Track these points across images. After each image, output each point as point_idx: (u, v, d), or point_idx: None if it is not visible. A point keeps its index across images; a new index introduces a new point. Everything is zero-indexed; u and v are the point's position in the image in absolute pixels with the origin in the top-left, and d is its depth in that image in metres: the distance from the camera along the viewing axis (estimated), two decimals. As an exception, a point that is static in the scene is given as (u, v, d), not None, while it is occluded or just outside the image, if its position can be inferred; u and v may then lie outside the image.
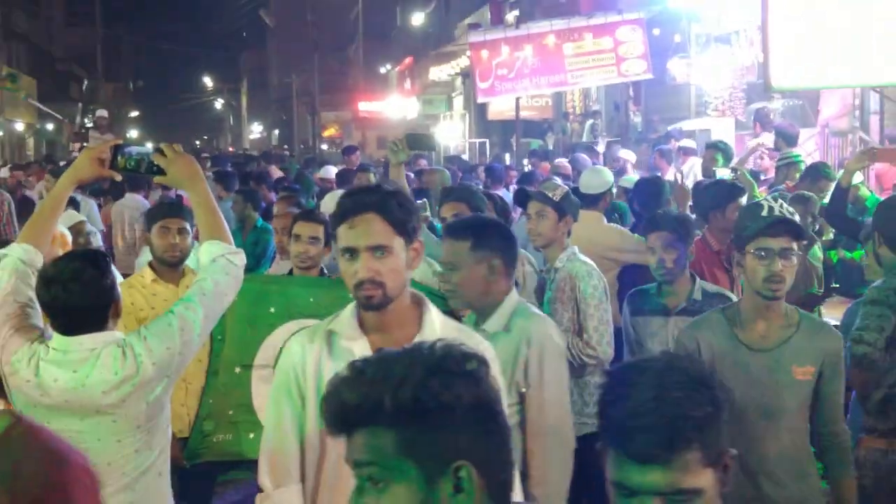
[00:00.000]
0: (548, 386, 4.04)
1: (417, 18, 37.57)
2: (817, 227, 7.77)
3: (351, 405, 1.87)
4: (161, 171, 3.79)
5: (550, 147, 20.64)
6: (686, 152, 13.17)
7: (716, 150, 10.74)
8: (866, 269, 5.84)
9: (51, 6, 51.63)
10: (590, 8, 19.20)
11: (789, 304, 4.24)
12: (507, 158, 20.78)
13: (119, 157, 3.79)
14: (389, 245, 3.06)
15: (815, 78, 10.58)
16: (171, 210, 5.85)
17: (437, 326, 3.14)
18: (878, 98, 12.93)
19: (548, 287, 5.78)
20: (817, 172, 8.81)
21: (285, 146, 50.71)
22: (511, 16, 25.51)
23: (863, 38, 10.09)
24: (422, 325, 3.15)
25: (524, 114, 21.81)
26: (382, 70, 43.59)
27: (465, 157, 24.19)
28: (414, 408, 1.83)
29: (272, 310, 5.10)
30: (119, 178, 4.04)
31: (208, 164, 17.07)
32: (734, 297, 5.26)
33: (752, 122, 13.39)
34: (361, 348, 3.11)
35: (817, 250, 7.35)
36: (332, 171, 14.27)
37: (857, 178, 8.00)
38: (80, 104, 51.96)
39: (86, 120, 51.11)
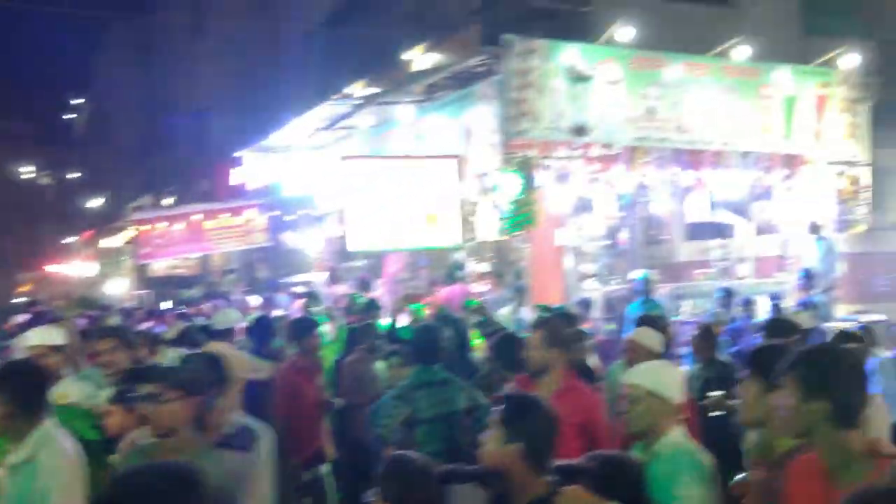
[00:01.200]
0: None
1: (96, 202, 35.89)
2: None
3: None
4: None
5: (199, 295, 20.00)
6: (297, 296, 13.25)
7: (311, 296, 10.89)
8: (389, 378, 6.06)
9: None
10: (226, 194, 19.15)
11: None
12: (167, 305, 19.95)
13: None
14: None
15: (378, 243, 11.06)
16: None
17: None
18: (426, 256, 13.72)
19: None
20: (370, 306, 9.17)
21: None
22: (169, 199, 24.91)
23: (412, 215, 10.78)
24: None
25: (178, 271, 21.24)
26: (69, 240, 40.86)
27: (132, 304, 22.90)
28: None
29: None
30: None
31: None
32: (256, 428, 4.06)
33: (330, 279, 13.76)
34: None
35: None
36: (18, 319, 13.15)
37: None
38: None
39: None
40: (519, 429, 2.73)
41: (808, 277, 11.20)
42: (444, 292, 11.27)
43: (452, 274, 11.64)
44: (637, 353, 5.20)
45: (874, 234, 14.17)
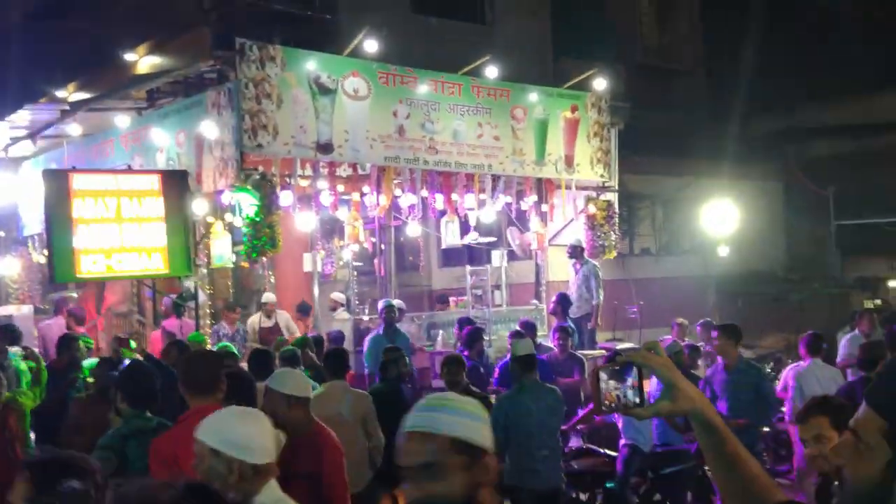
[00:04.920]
0: None
1: None
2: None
3: None
4: None
5: None
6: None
7: (9, 332, 10.04)
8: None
9: None
10: None
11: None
12: None
13: None
14: None
15: (92, 270, 10.43)
16: None
17: None
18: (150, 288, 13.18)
19: None
20: (67, 340, 8.73)
21: None
22: None
23: (132, 237, 10.30)
24: None
25: None
26: None
27: None
28: None
29: None
30: None
31: None
32: None
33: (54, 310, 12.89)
34: None
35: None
36: None
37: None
38: None
39: None
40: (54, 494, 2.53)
41: (562, 303, 11.91)
42: (166, 326, 10.87)
43: (178, 306, 11.27)
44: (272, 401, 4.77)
45: (625, 261, 15.44)
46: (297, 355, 8.05)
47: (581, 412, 8.93)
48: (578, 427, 8.75)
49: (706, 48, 18.51)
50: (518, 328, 10.45)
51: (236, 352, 9.26)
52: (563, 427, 7.98)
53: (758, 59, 16.61)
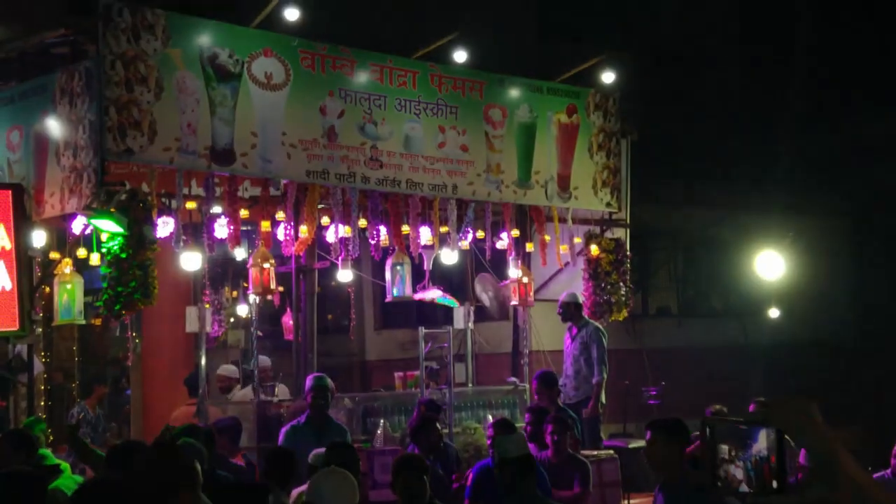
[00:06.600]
0: None
1: None
2: None
3: None
4: None
5: None
6: None
7: None
8: None
9: None
10: None
11: None
12: None
13: None
14: None
15: None
16: None
17: None
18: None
19: None
20: None
21: None
22: None
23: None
24: None
25: None
26: None
27: None
28: None
29: None
30: None
31: None
32: None
33: None
34: None
35: None
36: None
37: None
38: None
39: None
40: None
41: (546, 382, 11.66)
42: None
43: (5, 381, 11.00)
44: None
45: (637, 325, 15.29)
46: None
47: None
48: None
49: (749, 30, 18.65)
50: (502, 417, 10.20)
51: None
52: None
53: (820, 46, 16.73)
